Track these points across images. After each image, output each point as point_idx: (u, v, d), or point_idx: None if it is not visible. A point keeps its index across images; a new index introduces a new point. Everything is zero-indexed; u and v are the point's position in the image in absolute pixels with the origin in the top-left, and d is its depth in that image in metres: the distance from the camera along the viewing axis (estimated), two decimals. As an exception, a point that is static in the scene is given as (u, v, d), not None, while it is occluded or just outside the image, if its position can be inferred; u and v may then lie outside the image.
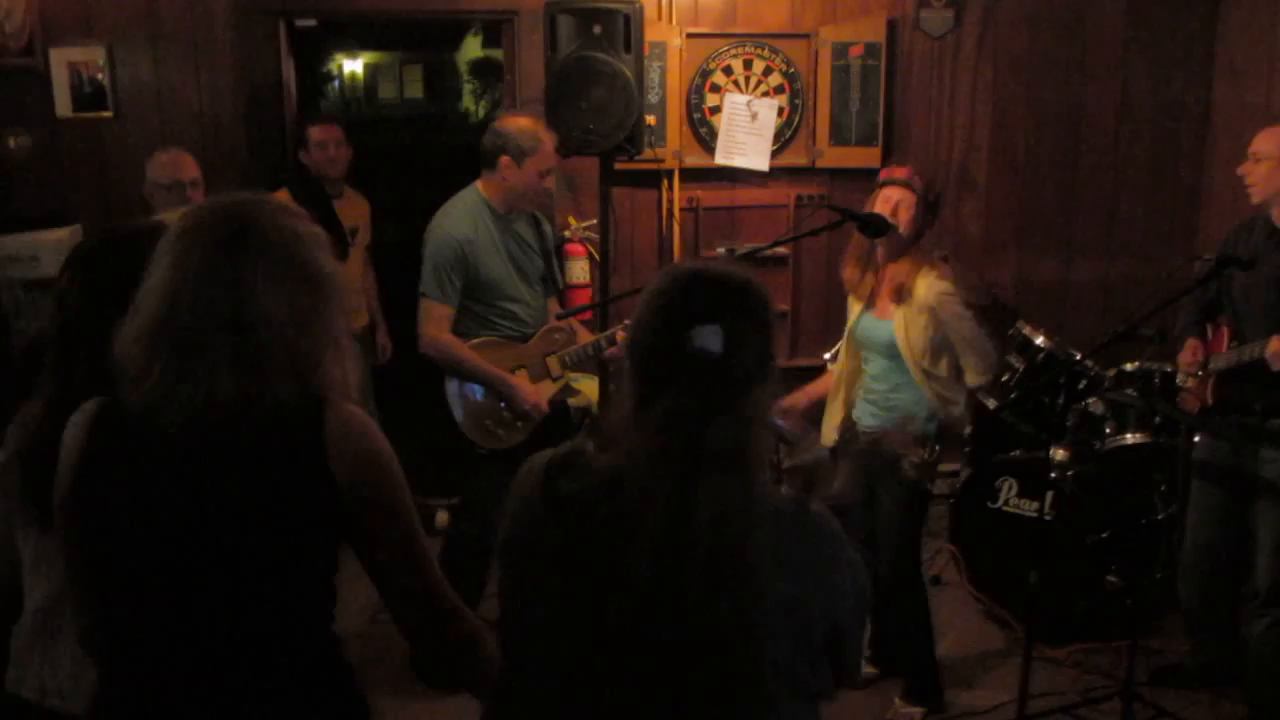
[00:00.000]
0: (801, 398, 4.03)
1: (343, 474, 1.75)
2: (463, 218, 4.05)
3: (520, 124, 4.08)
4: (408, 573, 1.86)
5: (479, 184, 4.12)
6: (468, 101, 17.71)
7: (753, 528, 1.57)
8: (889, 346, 3.72)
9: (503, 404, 4.07)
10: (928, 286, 3.65)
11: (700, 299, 1.67)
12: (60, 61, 5.24)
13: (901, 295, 3.68)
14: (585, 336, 4.31)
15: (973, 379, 3.75)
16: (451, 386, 4.05)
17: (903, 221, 3.66)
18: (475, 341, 4.05)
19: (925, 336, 3.66)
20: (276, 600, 1.77)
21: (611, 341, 4.21)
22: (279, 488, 1.73)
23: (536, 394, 4.10)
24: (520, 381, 4.09)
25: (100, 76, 5.27)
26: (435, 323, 4.02)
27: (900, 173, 3.79)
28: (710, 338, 1.62)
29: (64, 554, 1.85)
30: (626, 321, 3.72)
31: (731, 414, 1.61)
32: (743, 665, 1.57)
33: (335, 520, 1.77)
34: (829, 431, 3.98)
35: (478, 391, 4.06)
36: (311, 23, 5.66)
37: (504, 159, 4.00)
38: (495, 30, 5.95)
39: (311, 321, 1.76)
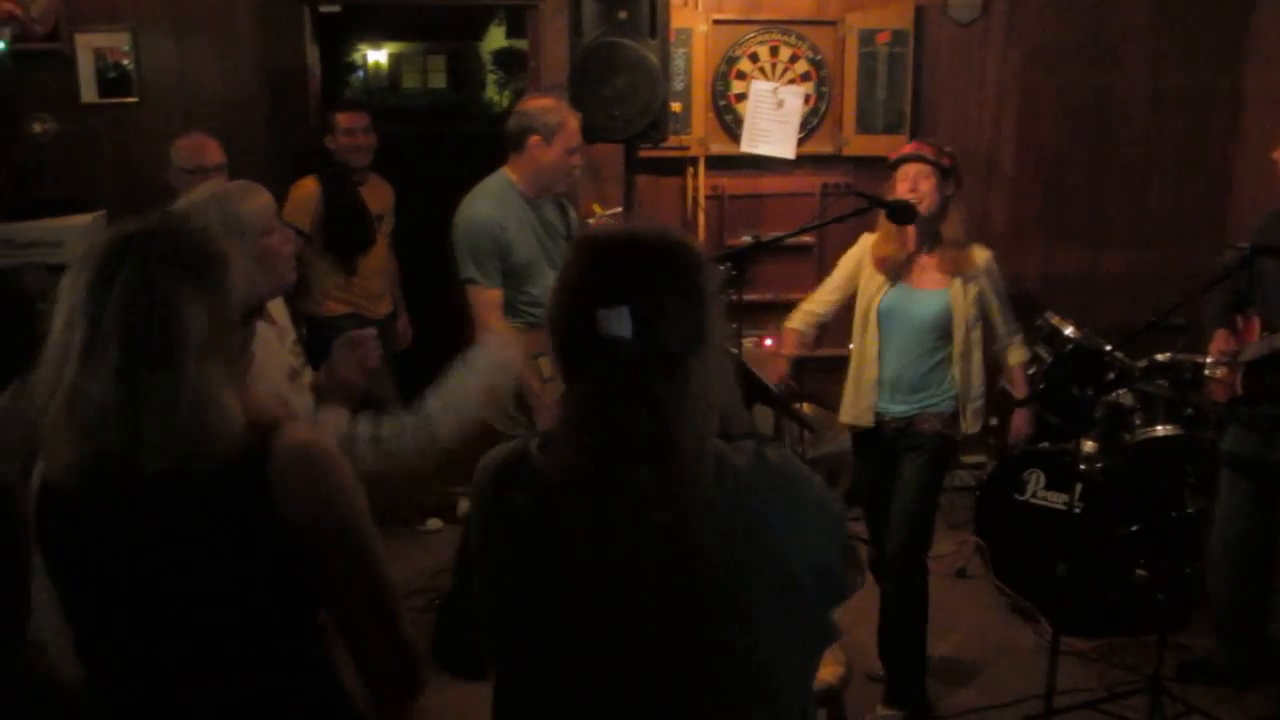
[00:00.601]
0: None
1: (291, 511, 1.68)
2: (493, 200, 4.02)
3: (544, 103, 4.06)
4: (370, 615, 1.78)
5: (506, 169, 4.09)
6: (491, 91, 17.68)
7: (685, 523, 1.46)
8: (938, 319, 3.73)
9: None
10: (982, 255, 3.79)
11: (610, 275, 1.51)
12: (85, 47, 5.24)
13: (961, 267, 3.72)
14: None
15: (1016, 356, 3.99)
16: None
17: (924, 192, 3.66)
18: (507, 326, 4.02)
19: (976, 307, 3.76)
20: (242, 633, 1.74)
21: None
22: (221, 532, 1.68)
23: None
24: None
25: (125, 62, 5.28)
26: (488, 308, 3.93)
27: (909, 148, 3.83)
28: (618, 322, 1.46)
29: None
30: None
31: (648, 401, 1.47)
32: (708, 664, 1.50)
33: (290, 559, 1.70)
34: (852, 415, 3.93)
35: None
36: (335, 8, 5.63)
37: (533, 139, 3.97)
38: (519, 20, 5.93)
39: (140, 380, 1.64)
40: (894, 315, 3.78)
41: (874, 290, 3.82)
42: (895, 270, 3.78)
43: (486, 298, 3.96)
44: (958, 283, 3.73)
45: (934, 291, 3.74)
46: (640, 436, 1.47)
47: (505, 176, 4.08)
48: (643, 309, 1.47)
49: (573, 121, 4.02)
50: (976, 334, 3.79)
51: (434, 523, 5.36)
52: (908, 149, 3.80)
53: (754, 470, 1.53)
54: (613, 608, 1.50)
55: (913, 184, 3.67)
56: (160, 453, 1.63)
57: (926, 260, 3.76)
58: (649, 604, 1.48)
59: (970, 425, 3.81)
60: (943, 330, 3.74)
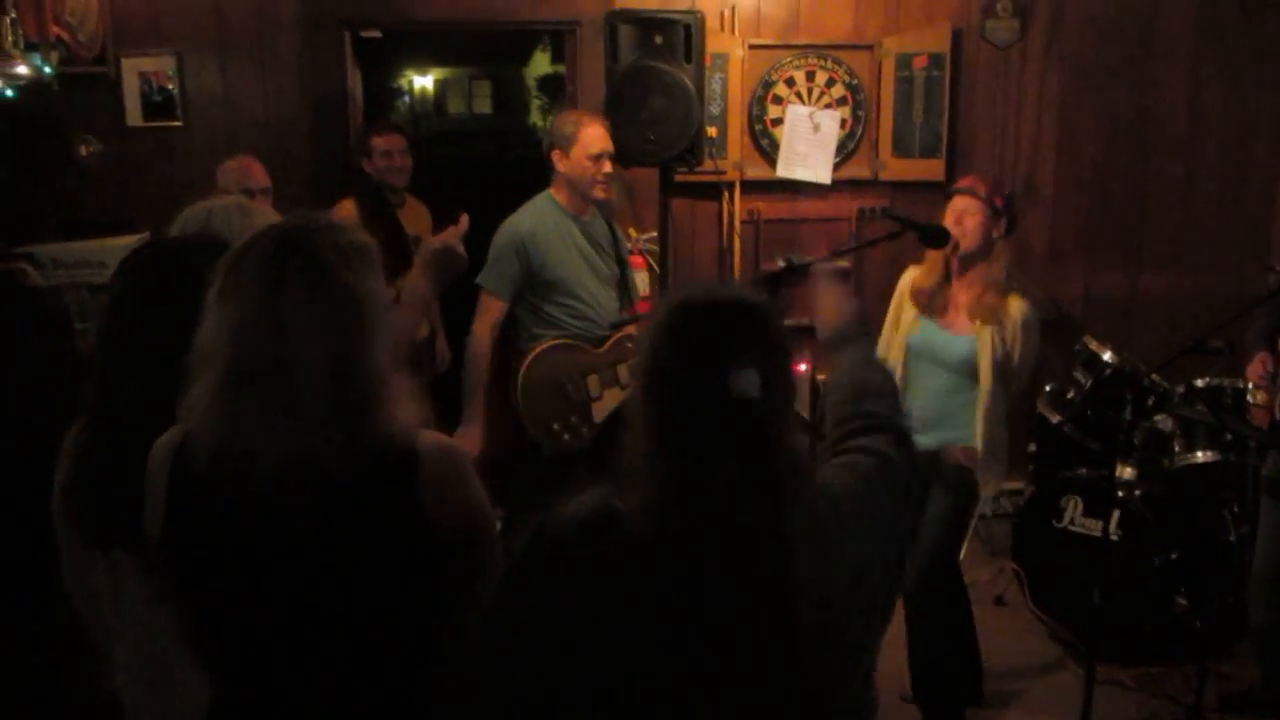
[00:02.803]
0: None
1: (440, 520, 1.72)
2: (528, 215, 4.15)
3: (562, 116, 4.20)
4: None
5: (550, 188, 4.21)
6: (535, 116, 17.81)
7: (783, 569, 1.50)
8: (963, 363, 3.66)
9: (574, 406, 4.07)
10: (1019, 308, 3.65)
11: (734, 338, 1.54)
12: (131, 70, 5.35)
13: (995, 315, 3.64)
14: None
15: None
16: (521, 384, 4.06)
17: (969, 229, 3.63)
18: (548, 343, 4.07)
19: (1009, 356, 3.64)
20: (381, 642, 1.75)
21: None
22: (370, 539, 1.70)
23: (475, 443, 3.99)
24: (473, 430, 4.03)
25: (170, 85, 5.37)
26: (481, 315, 4.11)
27: (965, 182, 3.79)
28: (748, 382, 1.49)
29: (166, 588, 1.82)
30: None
31: (762, 457, 1.50)
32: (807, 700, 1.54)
33: (432, 566, 1.74)
34: None
35: (548, 391, 4.07)
36: (376, 34, 5.71)
37: (555, 153, 4.11)
38: (561, 44, 5.98)
39: (353, 367, 1.69)
40: (921, 353, 3.76)
41: (907, 324, 3.80)
42: (929, 305, 3.76)
43: (485, 304, 4.11)
44: (987, 331, 3.64)
45: (961, 337, 3.69)
46: (752, 491, 1.49)
47: (548, 194, 4.22)
48: (766, 370, 1.51)
49: (590, 129, 4.09)
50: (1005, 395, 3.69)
51: None
52: (964, 182, 3.77)
53: (832, 499, 1.61)
54: (710, 665, 1.49)
55: (958, 218, 3.65)
56: (350, 444, 1.66)
57: (961, 301, 3.71)
58: (749, 657, 1.50)
59: (988, 487, 3.72)
60: (969, 372, 3.68)
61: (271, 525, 1.69)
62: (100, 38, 5.26)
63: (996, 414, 3.67)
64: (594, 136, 4.09)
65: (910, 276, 3.86)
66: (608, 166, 4.14)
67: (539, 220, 4.11)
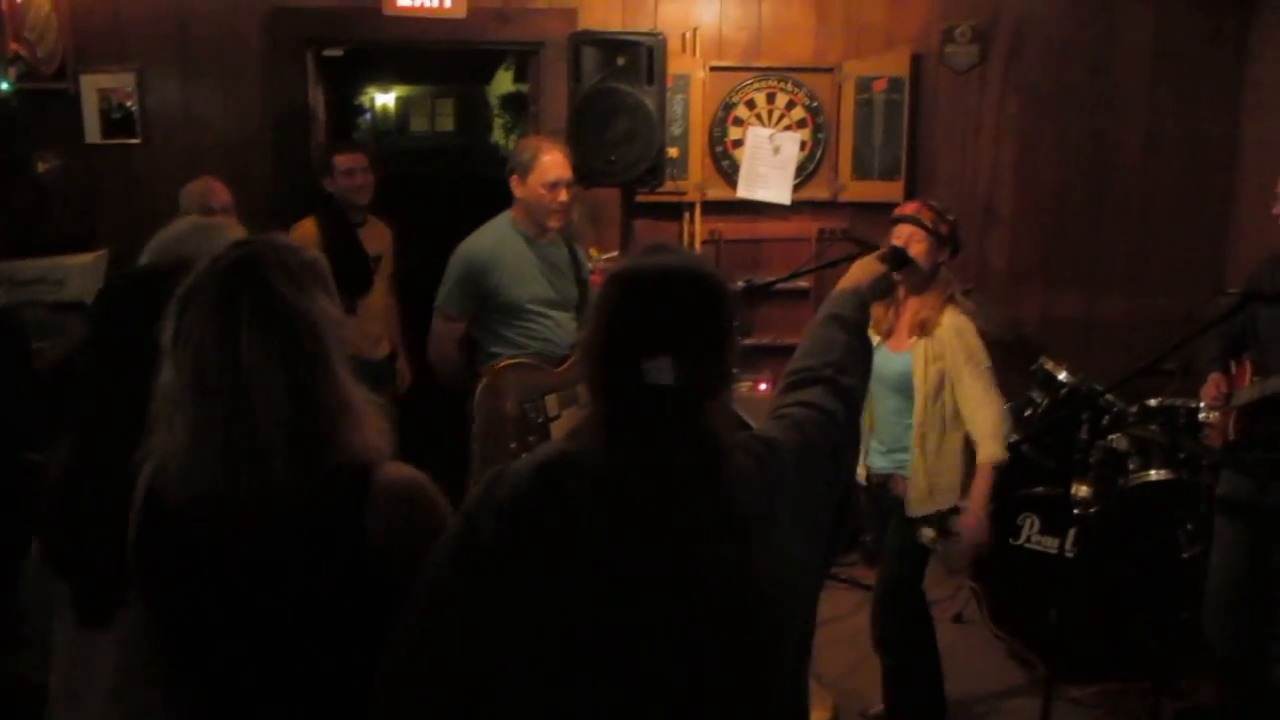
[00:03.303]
0: None
1: (389, 549, 1.70)
2: (486, 236, 4.17)
3: (523, 142, 4.22)
4: None
5: (510, 210, 4.22)
6: (498, 134, 17.83)
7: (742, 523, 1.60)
8: (901, 380, 3.68)
9: (530, 426, 4.08)
10: (951, 321, 3.63)
11: (650, 322, 1.61)
12: (90, 87, 5.31)
13: (925, 329, 3.65)
14: None
15: (985, 451, 3.58)
16: (479, 400, 4.06)
17: (914, 255, 3.64)
18: (505, 362, 4.06)
19: (939, 370, 3.62)
20: (338, 664, 1.74)
21: None
22: (319, 568, 1.70)
23: None
24: None
25: (130, 102, 5.33)
26: (438, 335, 4.16)
27: (908, 208, 3.77)
28: (660, 370, 1.57)
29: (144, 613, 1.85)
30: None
31: (692, 434, 1.60)
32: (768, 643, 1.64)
33: (382, 596, 1.71)
34: None
35: (505, 411, 4.06)
36: (338, 52, 5.71)
37: (513, 178, 4.12)
38: (525, 63, 6.00)
39: (314, 393, 1.69)
40: (875, 375, 3.77)
41: None
42: (879, 328, 3.78)
43: (443, 327, 4.16)
44: (920, 345, 3.64)
45: (899, 354, 3.70)
46: (686, 466, 1.59)
47: (508, 216, 4.22)
48: (682, 357, 1.57)
49: (547, 157, 4.08)
50: (945, 407, 3.66)
51: None
52: (908, 209, 3.77)
53: (760, 455, 1.68)
54: (675, 600, 1.57)
55: (904, 244, 3.67)
56: (307, 474, 1.68)
57: (904, 323, 3.74)
58: (710, 591, 1.58)
59: (939, 501, 3.67)
60: (908, 392, 3.67)
61: (232, 555, 1.70)
62: (60, 53, 5.22)
63: (930, 426, 3.65)
64: (550, 164, 4.07)
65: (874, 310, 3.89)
66: (564, 195, 4.12)
67: (497, 242, 4.12)
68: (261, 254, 1.73)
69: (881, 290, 2.32)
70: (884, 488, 3.78)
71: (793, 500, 1.67)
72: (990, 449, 3.56)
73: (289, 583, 1.70)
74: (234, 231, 2.68)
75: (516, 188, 4.11)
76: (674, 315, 1.61)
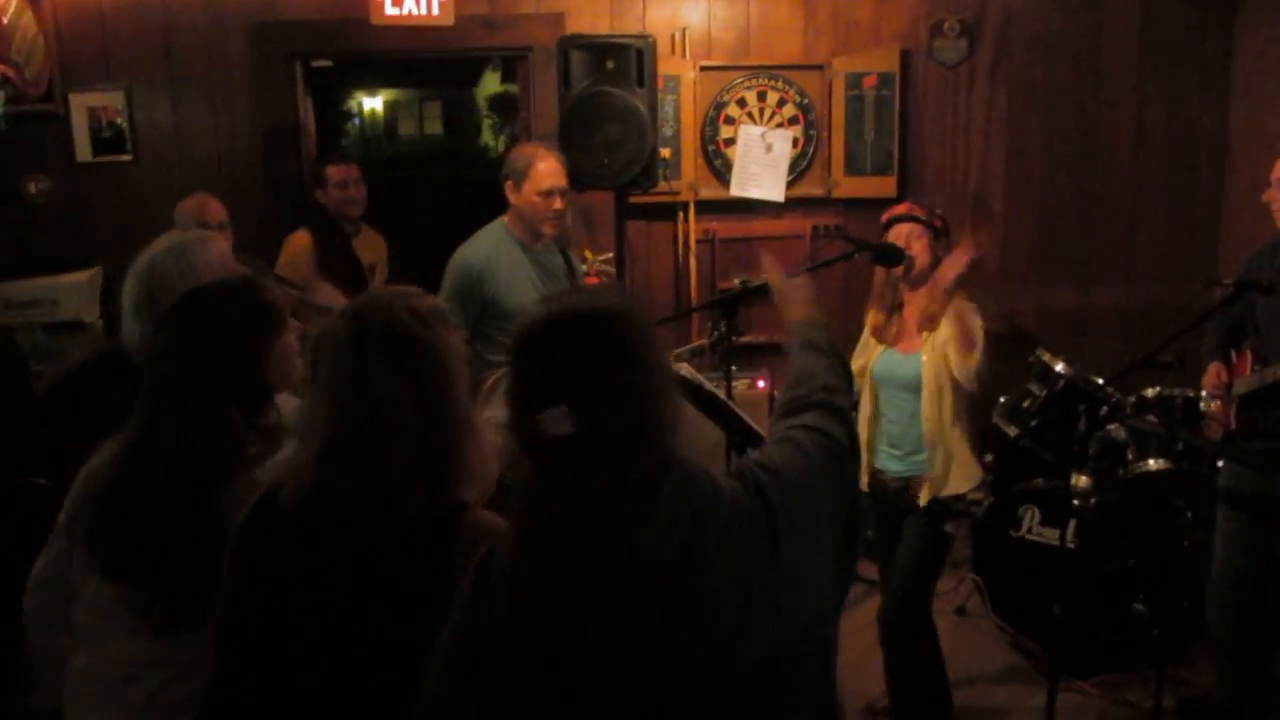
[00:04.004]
0: None
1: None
2: (482, 245, 4.15)
3: (518, 150, 4.18)
4: None
5: (505, 216, 4.20)
6: (486, 136, 17.80)
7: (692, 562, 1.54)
8: (913, 380, 3.69)
9: None
10: (955, 305, 3.65)
11: (545, 373, 1.57)
12: (79, 106, 5.31)
13: (934, 323, 3.67)
14: None
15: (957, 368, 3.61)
16: (480, 407, 4.05)
17: (916, 252, 3.68)
18: (504, 372, 4.04)
19: (946, 365, 3.64)
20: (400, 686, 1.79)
21: None
22: (408, 596, 1.78)
23: None
24: None
25: (119, 120, 5.34)
26: None
27: (900, 208, 3.82)
28: (557, 421, 1.50)
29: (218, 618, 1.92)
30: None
31: (600, 499, 1.52)
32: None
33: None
34: None
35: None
36: (327, 64, 5.70)
37: (507, 185, 4.12)
38: (513, 66, 6.00)
39: (441, 414, 1.84)
40: (884, 379, 3.79)
41: (869, 355, 3.85)
42: (884, 336, 3.81)
43: None
44: (929, 339, 3.68)
45: (911, 355, 3.72)
46: (597, 532, 1.53)
47: (503, 223, 4.21)
48: (583, 405, 1.51)
49: (543, 164, 4.08)
50: (952, 397, 3.68)
51: None
52: (899, 209, 3.81)
53: (750, 501, 1.62)
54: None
55: (905, 243, 3.70)
56: (437, 476, 1.85)
57: (911, 322, 3.76)
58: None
59: (957, 485, 3.72)
60: (919, 391, 3.69)
61: (330, 562, 1.81)
62: (47, 74, 5.22)
63: (939, 414, 3.67)
64: (545, 173, 4.08)
65: (870, 319, 3.90)
66: (558, 203, 4.13)
67: (492, 250, 4.11)
68: (386, 295, 1.90)
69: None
70: (902, 492, 3.78)
71: (801, 523, 1.67)
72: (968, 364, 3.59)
73: (373, 593, 1.79)
74: (217, 243, 2.81)
75: (511, 195, 4.11)
76: (566, 363, 1.56)
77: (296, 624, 1.82)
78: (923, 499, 3.69)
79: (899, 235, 3.71)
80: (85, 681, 2.20)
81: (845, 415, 1.91)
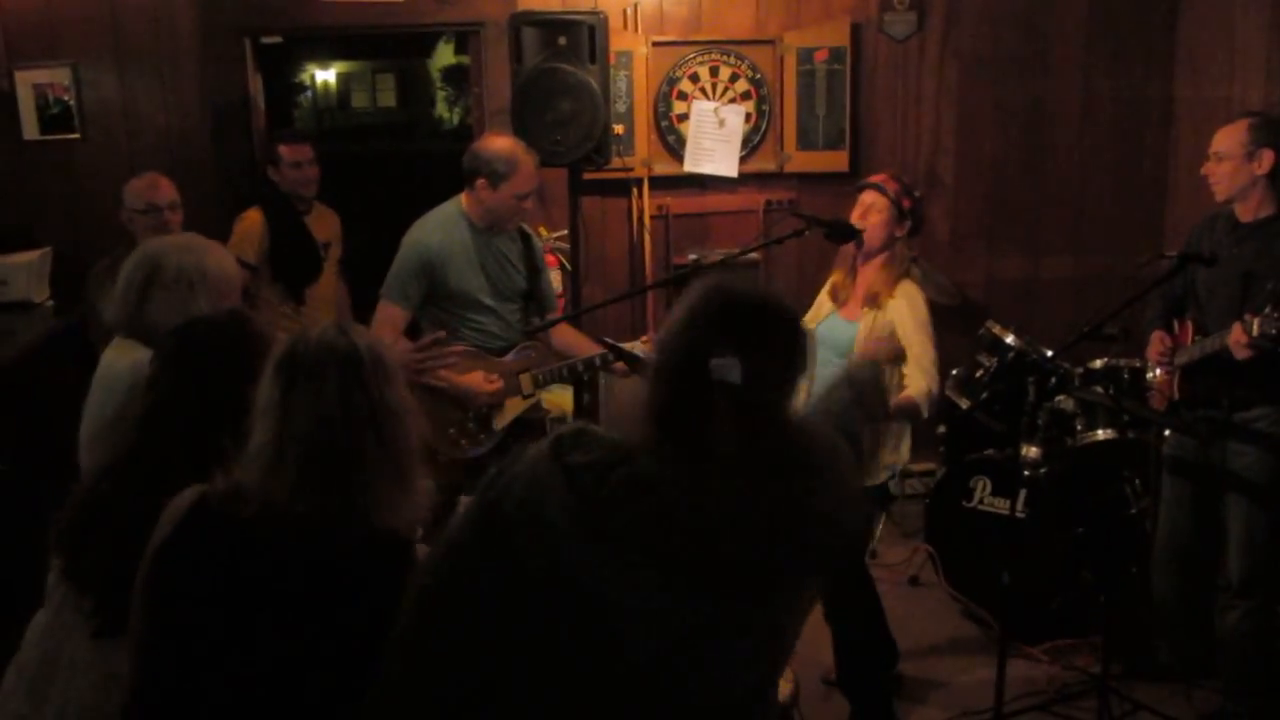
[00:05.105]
0: None
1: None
2: (437, 227, 4.05)
3: (498, 146, 4.00)
4: None
5: (462, 197, 4.09)
6: (441, 108, 17.71)
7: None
8: (847, 347, 3.72)
9: (471, 413, 4.07)
10: (902, 288, 3.69)
11: (737, 328, 1.70)
12: (25, 83, 5.24)
13: (876, 302, 3.71)
14: (567, 348, 4.28)
15: (915, 385, 3.63)
16: (421, 389, 4.02)
17: (872, 224, 3.70)
18: (454, 347, 4.03)
19: (886, 343, 3.67)
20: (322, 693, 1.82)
21: (594, 366, 4.21)
22: (342, 619, 1.80)
23: (484, 382, 4.07)
24: (466, 379, 4.03)
25: (66, 97, 5.27)
26: (382, 324, 4.01)
27: (877, 178, 3.84)
28: (729, 369, 1.64)
29: (133, 629, 1.92)
30: (608, 341, 3.77)
31: (744, 436, 1.66)
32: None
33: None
34: None
35: (447, 397, 4.05)
36: (277, 39, 5.65)
37: (480, 181, 3.96)
38: (466, 38, 5.96)
39: (393, 441, 1.91)
40: (822, 341, 3.80)
41: (818, 315, 3.88)
42: (836, 298, 3.85)
43: (385, 314, 4.05)
44: (869, 315, 3.71)
45: (849, 323, 3.76)
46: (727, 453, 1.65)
47: (459, 204, 4.09)
48: (749, 363, 1.65)
49: (526, 167, 3.98)
50: (893, 377, 3.71)
51: None
52: (876, 178, 3.83)
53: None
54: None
55: (864, 211, 3.72)
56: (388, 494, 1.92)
57: (858, 292, 3.79)
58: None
59: (892, 456, 3.77)
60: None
61: (253, 569, 1.83)
62: (-8, 52, 5.15)
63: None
64: (527, 178, 3.98)
65: (832, 276, 3.93)
66: (530, 205, 4.09)
67: (447, 234, 4.02)
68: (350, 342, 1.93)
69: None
70: None
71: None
72: (920, 384, 3.62)
73: (309, 610, 1.81)
74: (229, 258, 2.88)
75: (484, 191, 3.96)
76: (760, 335, 1.71)
77: (220, 640, 1.82)
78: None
79: (862, 203, 3.73)
80: (19, 671, 2.23)
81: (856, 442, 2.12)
